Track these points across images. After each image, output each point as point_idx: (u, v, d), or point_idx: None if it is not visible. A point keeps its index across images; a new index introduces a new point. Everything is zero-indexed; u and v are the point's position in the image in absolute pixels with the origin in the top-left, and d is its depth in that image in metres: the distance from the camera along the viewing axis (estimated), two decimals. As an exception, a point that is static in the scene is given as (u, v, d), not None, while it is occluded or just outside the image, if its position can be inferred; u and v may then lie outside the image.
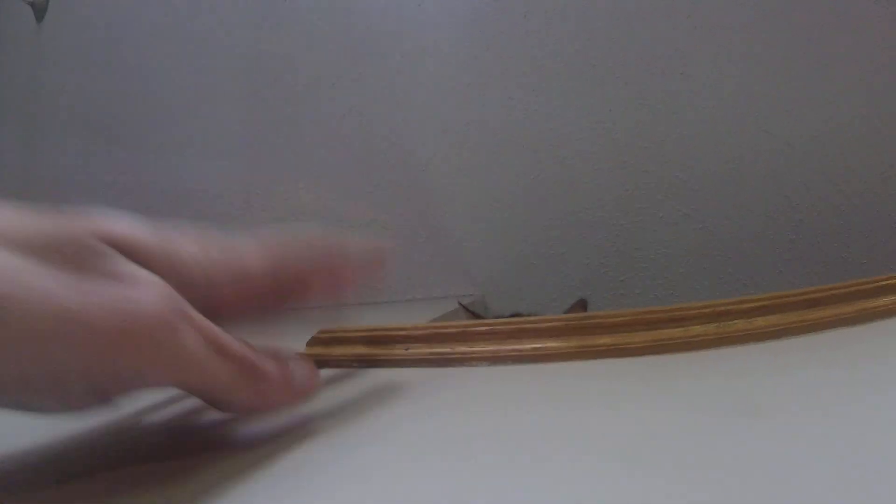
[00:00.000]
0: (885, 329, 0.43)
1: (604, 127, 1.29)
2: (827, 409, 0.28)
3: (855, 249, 1.18)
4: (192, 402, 0.39)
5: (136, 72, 1.71)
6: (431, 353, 0.43)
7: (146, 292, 0.23)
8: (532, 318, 0.43)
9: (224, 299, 0.30)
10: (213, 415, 0.35)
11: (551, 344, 0.41)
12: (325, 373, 0.47)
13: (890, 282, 0.46)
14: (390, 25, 1.43)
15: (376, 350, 0.46)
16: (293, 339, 0.64)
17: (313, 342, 0.51)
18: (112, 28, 1.76)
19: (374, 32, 1.44)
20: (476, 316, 0.77)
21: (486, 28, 1.36)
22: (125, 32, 1.74)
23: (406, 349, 0.45)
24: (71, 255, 0.23)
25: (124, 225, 0.26)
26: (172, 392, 0.36)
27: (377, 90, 1.43)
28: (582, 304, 0.74)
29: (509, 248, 1.33)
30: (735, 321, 0.42)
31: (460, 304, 0.85)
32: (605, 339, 0.41)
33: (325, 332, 0.52)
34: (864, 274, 1.09)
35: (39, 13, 1.92)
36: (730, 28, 1.24)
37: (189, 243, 0.29)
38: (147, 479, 0.27)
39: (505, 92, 1.34)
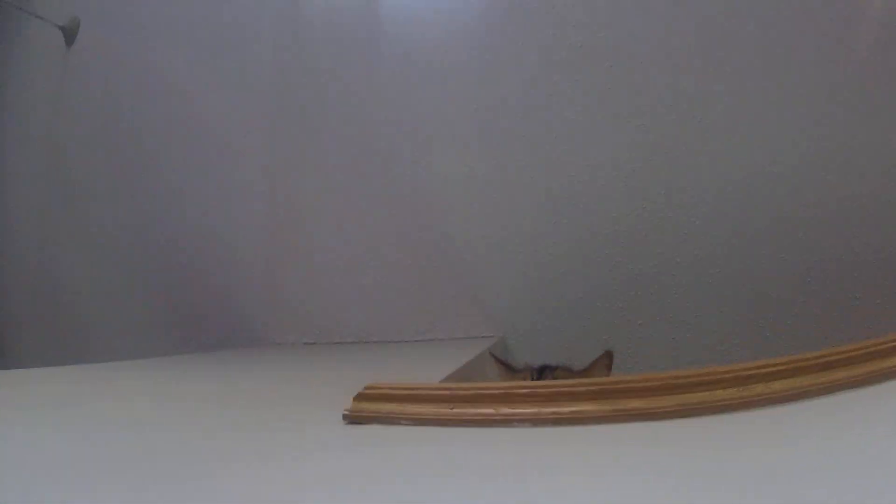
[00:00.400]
0: (892, 389, 0.47)
1: (621, 173, 1.33)
2: (838, 473, 0.31)
3: (869, 292, 1.20)
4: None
5: (162, 96, 1.77)
6: (476, 414, 0.47)
7: None
8: (570, 382, 0.47)
9: None
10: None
11: (587, 407, 0.45)
12: (373, 427, 0.50)
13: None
14: (415, 71, 1.48)
15: (423, 408, 0.50)
16: (337, 386, 0.68)
17: (360, 398, 0.55)
18: (139, 58, 1.82)
19: (399, 77, 1.50)
20: (506, 365, 0.81)
21: (507, 75, 1.42)
22: (152, 57, 1.80)
23: (451, 408, 0.48)
24: None
25: None
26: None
27: (401, 133, 1.48)
28: (608, 356, 0.77)
29: (530, 292, 1.37)
30: (755, 385, 0.45)
31: (491, 354, 0.89)
32: (636, 403, 0.45)
33: (372, 387, 0.55)
34: (874, 317, 1.12)
35: (69, 37, 2.00)
36: (743, 75, 1.28)
37: None
38: None
39: (525, 138, 1.39)
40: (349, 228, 1.50)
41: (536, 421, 0.45)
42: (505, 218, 1.40)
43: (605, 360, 0.77)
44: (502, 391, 0.48)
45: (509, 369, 0.81)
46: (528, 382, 0.50)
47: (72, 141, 1.95)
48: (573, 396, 0.46)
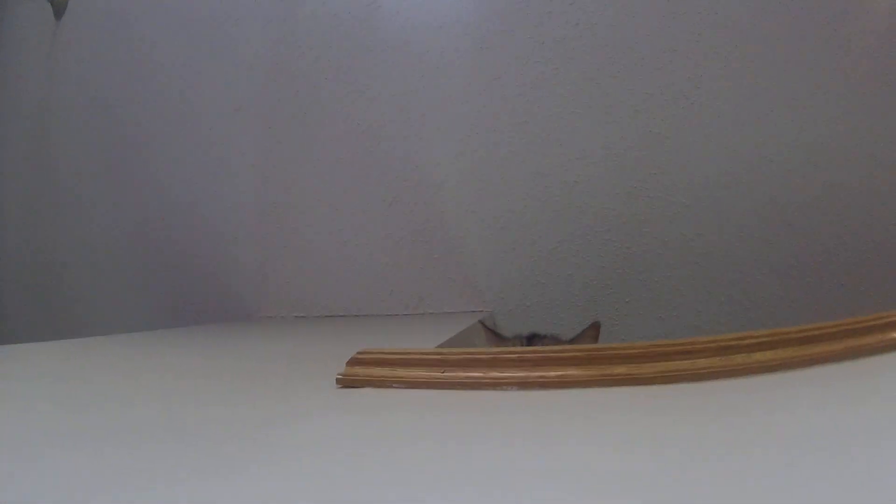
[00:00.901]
0: (870, 365, 0.49)
1: (612, 153, 1.34)
2: (816, 441, 0.33)
3: (852, 278, 1.23)
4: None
5: (152, 74, 1.75)
6: (466, 377, 0.48)
7: None
8: (557, 348, 0.48)
9: None
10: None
11: (573, 372, 0.47)
12: (365, 391, 0.52)
13: (876, 322, 0.51)
14: (407, 50, 1.48)
15: (414, 372, 0.51)
16: (330, 357, 0.69)
17: (353, 362, 0.56)
18: (131, 30, 1.80)
19: (391, 55, 1.50)
20: (496, 334, 0.82)
21: (500, 54, 1.42)
22: (144, 35, 1.78)
23: (442, 372, 0.50)
24: None
25: None
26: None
27: (394, 110, 1.49)
28: (595, 327, 0.80)
29: (519, 268, 1.39)
30: (736, 355, 0.47)
31: (481, 323, 0.91)
32: (620, 369, 0.47)
33: (365, 352, 0.57)
34: (859, 299, 1.15)
35: (59, 11, 1.97)
36: (737, 58, 1.30)
37: None
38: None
39: (517, 117, 1.40)
40: (340, 205, 1.51)
41: (524, 384, 0.47)
42: (496, 196, 1.41)
43: (592, 332, 0.79)
44: (491, 356, 0.49)
45: (499, 338, 0.83)
46: (517, 348, 0.52)
47: (61, 117, 1.93)
48: (560, 361, 0.47)
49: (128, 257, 1.78)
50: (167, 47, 1.74)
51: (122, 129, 1.78)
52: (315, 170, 1.55)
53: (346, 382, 0.53)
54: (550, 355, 0.48)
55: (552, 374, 0.47)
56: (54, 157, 1.92)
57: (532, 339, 0.77)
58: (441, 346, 0.79)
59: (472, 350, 0.51)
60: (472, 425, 0.41)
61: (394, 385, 0.51)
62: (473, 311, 1.37)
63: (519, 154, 1.40)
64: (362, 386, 0.53)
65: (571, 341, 0.78)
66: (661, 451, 0.33)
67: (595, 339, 0.79)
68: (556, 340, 0.77)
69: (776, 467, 0.29)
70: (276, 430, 0.41)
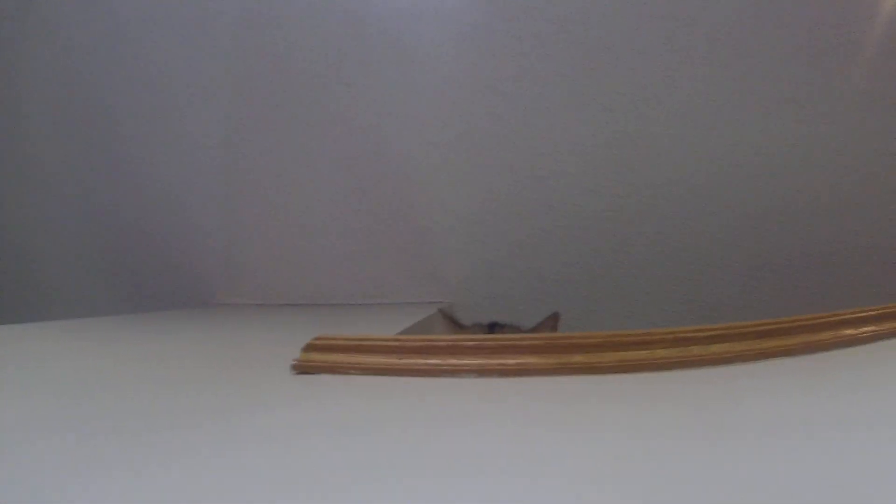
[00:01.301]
0: (823, 360, 0.49)
1: (581, 150, 1.35)
2: (769, 429, 0.33)
3: (811, 278, 1.25)
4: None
5: (125, 52, 1.70)
6: (424, 364, 0.48)
7: None
8: (516, 336, 0.48)
9: None
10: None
11: (532, 360, 0.46)
12: (322, 378, 0.51)
13: (830, 319, 0.52)
14: (385, 36, 1.46)
15: (371, 358, 0.50)
16: (287, 345, 0.67)
17: (309, 348, 0.55)
18: (100, 7, 1.74)
19: (368, 42, 1.48)
20: (455, 323, 0.82)
21: (478, 47, 1.41)
22: (118, 10, 1.72)
23: (400, 359, 0.49)
24: None
25: None
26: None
27: (367, 98, 1.47)
28: (554, 318, 0.80)
29: (484, 260, 1.38)
30: (694, 346, 0.47)
31: (440, 311, 0.90)
32: (579, 358, 0.46)
33: (321, 338, 0.56)
34: (816, 300, 1.17)
35: None
36: (708, 63, 1.30)
37: None
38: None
39: (490, 109, 1.39)
40: (308, 191, 1.49)
41: (483, 372, 0.46)
42: (466, 188, 1.40)
43: (551, 322, 0.79)
44: (450, 343, 0.49)
45: (458, 326, 0.82)
46: (476, 336, 0.51)
47: (25, 96, 1.86)
48: (519, 350, 0.47)
49: (92, 240, 1.73)
50: (141, 24, 1.69)
51: (91, 108, 1.73)
52: (284, 157, 1.52)
53: (303, 369, 0.52)
54: (509, 343, 0.48)
55: (511, 361, 0.46)
56: (22, 132, 1.85)
57: (493, 327, 0.76)
58: (400, 333, 0.78)
59: (430, 337, 0.51)
60: (430, 412, 0.40)
61: (351, 371, 0.50)
62: (435, 302, 1.36)
63: (490, 148, 1.40)
64: (319, 372, 0.51)
65: (531, 330, 0.78)
66: (620, 438, 0.33)
67: (554, 329, 0.79)
68: (516, 330, 0.77)
69: (733, 454, 0.29)
70: (230, 417, 0.39)
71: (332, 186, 1.47)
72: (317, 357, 0.53)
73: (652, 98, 1.33)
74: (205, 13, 1.60)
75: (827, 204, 1.26)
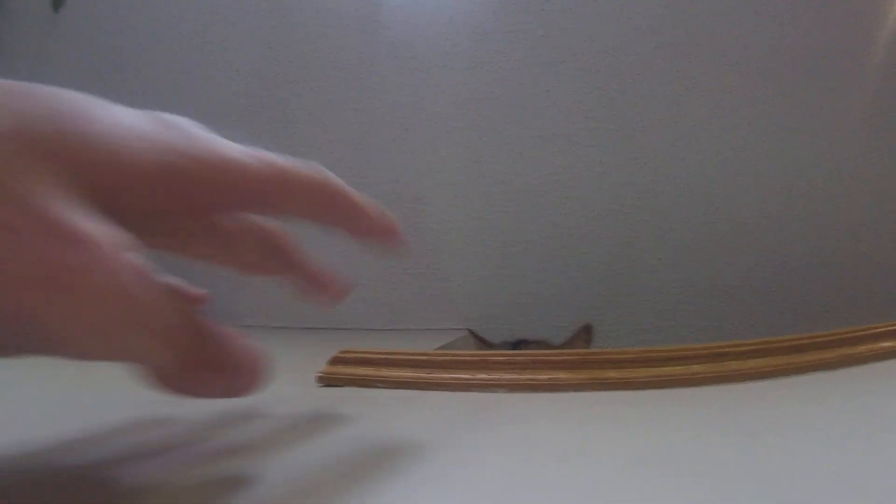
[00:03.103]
0: (861, 373, 0.48)
1: (594, 176, 1.35)
2: (810, 439, 0.32)
3: (836, 299, 1.24)
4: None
5: (146, 69, 1.73)
6: (453, 379, 0.47)
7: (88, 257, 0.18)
8: (548, 352, 0.47)
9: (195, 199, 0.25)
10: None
11: (564, 375, 0.45)
12: (346, 391, 0.50)
13: (867, 332, 0.51)
14: (397, 64, 1.48)
15: (399, 372, 0.50)
16: (311, 358, 0.67)
17: (335, 361, 0.55)
18: (125, 26, 1.77)
19: (381, 68, 1.49)
20: (485, 342, 0.81)
21: (490, 72, 1.42)
22: (138, 31, 1.75)
23: (428, 373, 0.48)
24: None
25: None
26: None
27: (379, 122, 1.48)
28: (587, 330, 0.79)
29: (501, 288, 1.38)
30: (730, 361, 0.46)
31: (469, 330, 0.89)
32: (612, 373, 0.45)
33: (348, 351, 0.55)
34: (841, 322, 1.16)
35: (57, 2, 1.93)
36: (717, 89, 1.31)
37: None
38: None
39: (503, 135, 1.40)
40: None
41: (513, 387, 0.45)
42: (478, 211, 1.40)
43: (584, 335, 0.77)
44: (479, 358, 0.48)
45: (486, 344, 0.81)
46: (506, 351, 0.50)
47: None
48: (550, 365, 0.46)
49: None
50: (158, 46, 1.72)
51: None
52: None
53: (328, 381, 0.51)
54: (540, 358, 0.47)
55: (542, 377, 0.46)
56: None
57: (518, 344, 0.75)
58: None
59: (459, 352, 0.50)
60: (458, 426, 0.39)
61: (377, 385, 0.49)
62: (453, 329, 1.35)
63: (502, 173, 1.40)
64: (344, 385, 0.51)
65: (562, 345, 0.77)
66: (657, 455, 0.32)
67: (588, 341, 0.77)
68: (545, 345, 0.76)
69: (776, 471, 0.28)
70: (253, 428, 0.39)
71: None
72: (342, 370, 0.52)
73: (672, 124, 1.34)
74: (222, 41, 1.63)
75: (844, 226, 1.26)
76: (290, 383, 0.57)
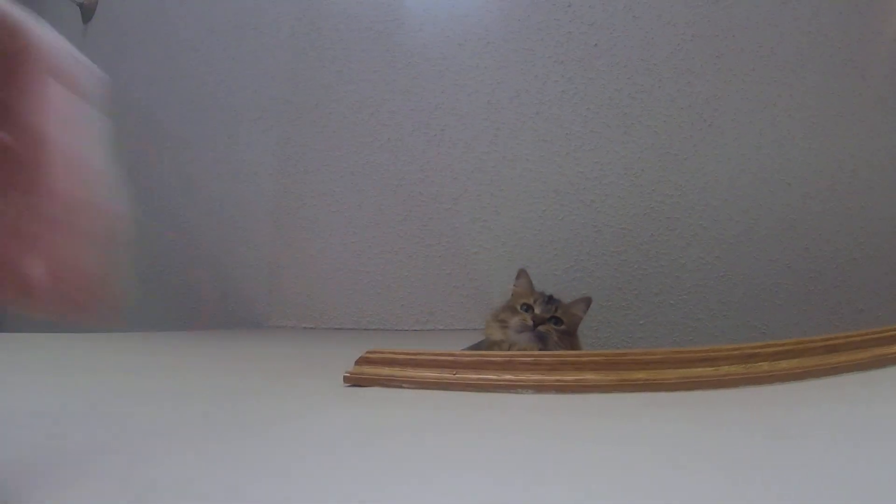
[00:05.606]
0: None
1: (631, 174, 1.33)
2: (843, 442, 0.31)
3: (869, 299, 1.20)
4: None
5: (177, 79, 1.76)
6: (479, 380, 0.47)
7: None
8: (575, 353, 0.47)
9: None
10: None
11: (591, 377, 0.45)
12: (373, 391, 0.50)
13: (904, 333, 0.50)
14: (430, 65, 1.49)
15: (424, 373, 0.50)
16: (338, 360, 0.67)
17: (361, 362, 0.55)
18: (156, 36, 1.81)
19: (414, 70, 1.50)
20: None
21: (522, 70, 1.42)
22: (169, 41, 1.79)
23: (454, 374, 0.48)
24: None
25: None
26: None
27: (414, 123, 1.48)
28: (587, 302, 0.89)
29: (535, 287, 1.37)
30: (761, 363, 0.45)
31: (522, 269, 1.02)
32: (640, 375, 0.45)
33: (374, 352, 0.55)
34: (876, 322, 1.13)
35: (87, 14, 1.98)
36: (755, 81, 1.29)
37: None
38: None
39: (536, 134, 1.39)
40: (355, 216, 1.50)
41: (540, 388, 0.45)
42: (512, 213, 1.39)
43: (583, 305, 0.94)
44: (506, 359, 0.48)
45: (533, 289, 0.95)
46: (532, 352, 0.50)
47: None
48: (577, 366, 0.46)
49: (139, 254, 1.77)
50: (192, 53, 1.75)
51: (145, 130, 1.79)
52: (332, 180, 1.54)
53: (355, 381, 0.51)
54: (568, 359, 0.47)
55: (569, 378, 0.45)
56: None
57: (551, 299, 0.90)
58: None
59: (485, 353, 0.50)
60: (483, 425, 0.39)
61: (403, 385, 0.50)
62: (481, 329, 1.34)
63: (536, 171, 1.39)
64: (370, 385, 0.51)
65: (569, 304, 0.91)
66: (684, 455, 0.32)
67: (584, 311, 0.92)
68: (558, 305, 0.89)
69: (807, 475, 0.28)
70: (283, 427, 0.40)
71: (379, 211, 1.48)
72: (369, 370, 0.53)
73: (699, 120, 1.31)
74: (257, 47, 1.65)
75: (888, 219, 1.22)
76: (318, 382, 0.58)
